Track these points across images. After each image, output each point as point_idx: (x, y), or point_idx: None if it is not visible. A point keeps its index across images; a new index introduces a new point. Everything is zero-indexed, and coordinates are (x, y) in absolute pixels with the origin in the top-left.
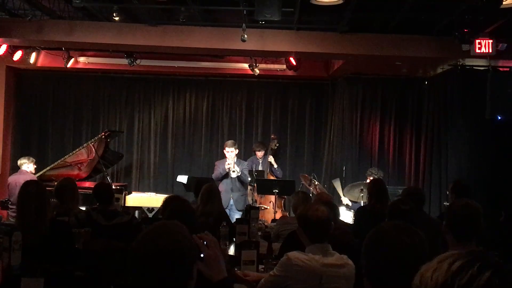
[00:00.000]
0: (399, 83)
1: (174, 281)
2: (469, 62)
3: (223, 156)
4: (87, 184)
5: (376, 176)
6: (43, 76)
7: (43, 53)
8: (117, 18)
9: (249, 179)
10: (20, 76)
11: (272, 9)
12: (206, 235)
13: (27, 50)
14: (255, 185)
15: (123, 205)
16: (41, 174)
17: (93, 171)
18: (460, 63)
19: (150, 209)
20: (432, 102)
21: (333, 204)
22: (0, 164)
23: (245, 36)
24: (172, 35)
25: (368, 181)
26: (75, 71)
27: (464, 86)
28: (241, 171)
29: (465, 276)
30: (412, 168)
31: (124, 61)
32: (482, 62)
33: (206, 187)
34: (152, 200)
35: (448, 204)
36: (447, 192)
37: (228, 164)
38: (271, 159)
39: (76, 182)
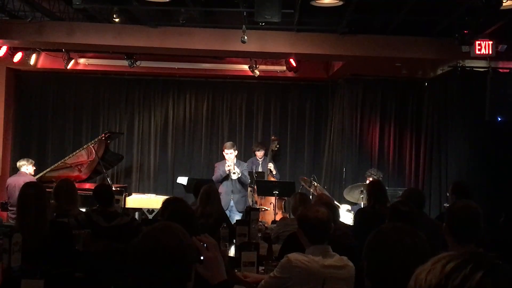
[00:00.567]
0: (399, 84)
1: (173, 281)
2: (469, 63)
3: (223, 158)
4: (87, 185)
5: (375, 177)
6: (43, 78)
7: (43, 54)
8: (117, 20)
9: (249, 180)
10: (20, 78)
11: (272, 11)
12: (206, 237)
13: (27, 51)
14: (255, 186)
15: (123, 206)
16: (41, 175)
17: (93, 173)
18: (460, 65)
19: (150, 211)
20: (432, 104)
21: (333, 206)
22: (0, 165)
23: (245, 37)
24: (172, 36)
25: (367, 182)
26: (75, 73)
27: (464, 87)
28: (241, 172)
29: (458, 277)
30: (412, 169)
31: (124, 63)
32: (482, 64)
33: (205, 188)
34: (152, 201)
35: (446, 205)
36: (447, 194)
37: (228, 166)
38: (270, 166)
39: (76, 184)
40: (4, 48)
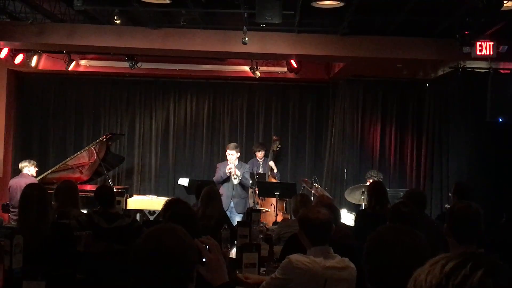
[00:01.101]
0: (400, 85)
1: (175, 282)
2: (470, 64)
3: (225, 159)
4: (89, 187)
5: (375, 179)
6: (44, 79)
7: (44, 56)
8: (118, 21)
9: (250, 181)
10: (22, 79)
11: (273, 12)
12: (208, 239)
13: (29, 53)
14: (256, 188)
15: (124, 208)
16: (43, 177)
17: (95, 174)
18: (461, 65)
19: (152, 212)
20: (433, 105)
21: (334, 207)
22: (2, 167)
23: (246, 38)
24: (173, 38)
25: (368, 183)
26: (76, 74)
27: (465, 88)
28: (243, 174)
29: (458, 276)
30: (413, 170)
31: (125, 64)
32: (483, 64)
33: (206, 190)
34: (153, 203)
35: (447, 206)
36: (449, 194)
37: (230, 168)
38: (271, 164)
39: (78, 185)
40: (6, 50)
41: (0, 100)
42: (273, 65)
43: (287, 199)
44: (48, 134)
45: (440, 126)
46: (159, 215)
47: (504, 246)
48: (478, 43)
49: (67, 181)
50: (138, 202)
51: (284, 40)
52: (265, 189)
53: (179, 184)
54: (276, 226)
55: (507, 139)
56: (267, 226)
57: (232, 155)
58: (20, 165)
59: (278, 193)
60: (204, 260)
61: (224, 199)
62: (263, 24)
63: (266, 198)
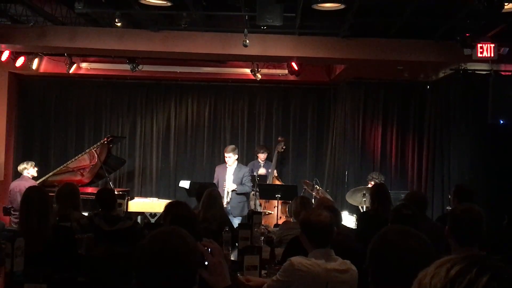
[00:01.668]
0: (401, 87)
1: (178, 284)
2: (471, 66)
3: (225, 161)
4: (90, 189)
5: (377, 181)
6: (45, 82)
7: (45, 59)
8: (119, 24)
9: (251, 184)
10: (23, 82)
11: (274, 14)
12: (210, 243)
13: (30, 56)
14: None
15: (125, 210)
16: (44, 179)
17: (96, 177)
18: (462, 68)
19: (153, 215)
20: (434, 107)
21: (335, 209)
22: (3, 170)
23: (247, 41)
24: (174, 40)
25: (369, 185)
26: (78, 77)
27: (466, 90)
28: (243, 182)
29: (463, 281)
30: (415, 172)
31: (126, 67)
32: (484, 66)
33: (207, 192)
34: (154, 205)
35: (449, 208)
36: (449, 197)
37: (224, 186)
38: (275, 172)
39: (79, 188)
40: (7, 53)
41: (1, 103)
42: (274, 68)
43: (290, 201)
44: (49, 136)
45: (441, 128)
46: (160, 218)
47: (505, 248)
48: (479, 45)
49: (68, 184)
50: (139, 204)
51: (285, 43)
52: (267, 191)
53: (180, 187)
54: (278, 229)
55: (508, 141)
56: (268, 229)
57: (230, 158)
58: (19, 167)
59: (279, 195)
60: (206, 263)
61: None
62: (264, 27)
63: (269, 200)
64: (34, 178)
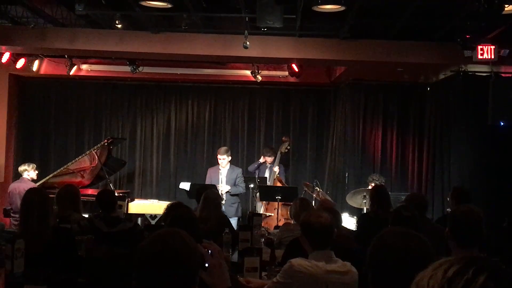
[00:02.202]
0: (401, 89)
1: (178, 285)
2: (471, 68)
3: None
4: (90, 191)
5: (377, 182)
6: (45, 84)
7: (45, 60)
8: (119, 26)
9: (244, 190)
10: (23, 84)
11: (274, 16)
12: (210, 244)
13: (30, 57)
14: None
15: (125, 212)
16: (44, 181)
17: (96, 178)
18: (462, 69)
19: (153, 216)
20: (434, 108)
21: (335, 211)
22: (3, 171)
23: (247, 43)
24: (174, 42)
25: (370, 187)
26: (78, 79)
27: (466, 92)
28: (237, 183)
29: (460, 281)
30: (415, 174)
31: (127, 69)
32: (484, 68)
33: (204, 193)
34: (154, 207)
35: (449, 210)
36: (448, 199)
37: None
38: (276, 169)
39: (79, 190)
40: (7, 55)
41: (2, 104)
42: (274, 69)
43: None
44: (50, 138)
45: (441, 130)
46: (160, 219)
47: (505, 249)
48: (479, 47)
49: (69, 186)
50: (139, 206)
51: (285, 44)
52: (267, 193)
53: (181, 188)
54: (278, 230)
55: (508, 142)
56: (268, 230)
57: (224, 160)
58: (20, 168)
59: (280, 197)
60: (206, 265)
61: None
62: (264, 28)
63: (270, 202)
64: (33, 180)
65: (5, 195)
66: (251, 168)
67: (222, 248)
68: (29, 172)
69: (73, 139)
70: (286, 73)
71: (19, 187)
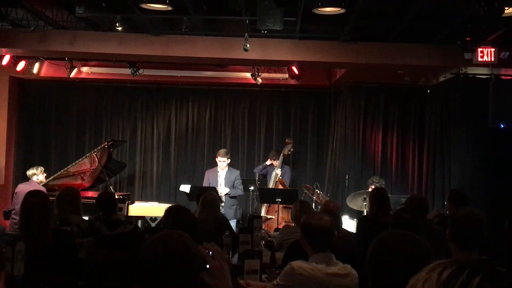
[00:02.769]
0: (401, 91)
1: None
2: (471, 70)
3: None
4: (90, 193)
5: (377, 185)
6: (46, 86)
7: (46, 63)
8: (119, 28)
9: (242, 192)
10: (23, 86)
11: (274, 19)
12: (211, 246)
13: (30, 60)
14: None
15: (126, 214)
16: (44, 183)
17: (96, 181)
18: (463, 72)
19: (153, 219)
20: (435, 111)
21: (336, 213)
22: (3, 174)
23: (248, 45)
24: (175, 44)
25: (370, 189)
26: (78, 81)
27: (466, 94)
28: (235, 185)
29: (455, 283)
30: (415, 176)
31: (127, 71)
32: (484, 71)
33: (203, 196)
34: (155, 209)
35: (447, 213)
36: (445, 202)
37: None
38: (278, 172)
39: (80, 192)
40: (7, 57)
41: (2, 107)
42: (275, 72)
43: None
44: (50, 140)
45: (441, 132)
46: (160, 222)
47: (506, 252)
48: (480, 49)
49: (69, 188)
50: (139, 208)
51: (286, 47)
52: (267, 195)
53: (181, 191)
54: (278, 233)
55: (508, 145)
56: (268, 233)
57: (224, 162)
58: (28, 173)
59: (280, 200)
60: (207, 266)
61: None
62: (264, 31)
63: (271, 204)
64: (41, 183)
65: (5, 197)
66: (256, 170)
67: (222, 250)
68: (38, 175)
69: (73, 141)
70: (286, 75)
71: (26, 189)
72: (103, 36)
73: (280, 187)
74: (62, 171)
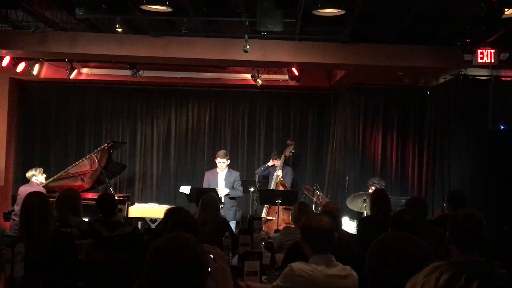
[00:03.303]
0: (401, 93)
1: None
2: (471, 71)
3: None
4: (90, 195)
5: (378, 186)
6: (46, 88)
7: (46, 64)
8: (119, 30)
9: (241, 193)
10: (23, 88)
11: (274, 20)
12: (213, 249)
13: (30, 61)
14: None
15: (125, 216)
16: (44, 185)
17: (96, 182)
18: (462, 73)
19: (153, 220)
20: (435, 112)
21: (336, 214)
22: (3, 175)
23: (248, 46)
24: (175, 46)
25: (370, 191)
26: (78, 83)
27: (466, 96)
28: (235, 186)
29: None
30: (415, 178)
31: (127, 72)
32: (484, 72)
33: (202, 197)
34: (154, 210)
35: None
36: (444, 204)
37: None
38: (279, 173)
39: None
40: (7, 58)
41: (2, 108)
42: (275, 73)
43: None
44: (50, 142)
45: (441, 134)
46: (160, 223)
47: (506, 254)
48: (479, 51)
49: (69, 190)
50: (139, 210)
51: (286, 48)
52: (267, 196)
53: (181, 192)
54: (278, 234)
55: (508, 146)
56: (268, 234)
57: (223, 163)
58: (28, 174)
59: (280, 201)
60: (209, 269)
61: None
62: (264, 32)
63: (272, 206)
64: (41, 184)
65: (5, 199)
66: (258, 171)
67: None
68: (37, 176)
69: (73, 143)
70: (286, 77)
71: (27, 191)
72: (103, 37)
73: (281, 188)
74: (62, 172)
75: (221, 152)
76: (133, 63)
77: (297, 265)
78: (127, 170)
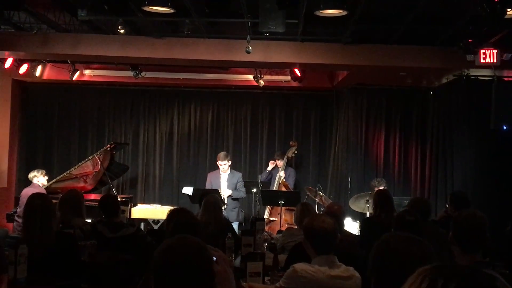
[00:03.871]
0: (403, 93)
1: None
2: (474, 72)
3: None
4: (93, 196)
5: (380, 187)
6: (48, 89)
7: (48, 66)
8: (122, 31)
9: (244, 194)
10: (26, 89)
11: (277, 21)
12: (216, 251)
13: (33, 63)
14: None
15: (128, 217)
16: (47, 186)
17: (99, 183)
18: (465, 74)
19: (156, 221)
20: (437, 113)
21: (339, 215)
22: (6, 177)
23: (250, 47)
24: (177, 47)
25: (373, 191)
26: (81, 84)
27: (469, 96)
28: (238, 187)
29: None
30: (418, 178)
31: (129, 74)
32: (487, 72)
33: (205, 198)
34: (157, 212)
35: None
36: (446, 205)
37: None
38: (282, 174)
39: (83, 195)
40: (10, 60)
41: (5, 110)
42: (277, 74)
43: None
44: (53, 143)
45: (444, 134)
46: (163, 224)
47: (508, 254)
48: (482, 51)
49: (72, 191)
50: (142, 211)
51: (288, 49)
52: (269, 197)
53: (183, 193)
54: (281, 235)
55: (511, 146)
56: (271, 235)
57: (224, 165)
58: (30, 175)
59: (282, 202)
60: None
61: None
62: (266, 33)
63: (274, 207)
64: (43, 186)
65: (8, 200)
66: (262, 179)
67: (224, 252)
68: (38, 178)
69: (76, 144)
70: (289, 77)
71: (29, 192)
72: (105, 39)
73: (283, 189)
74: (64, 173)
75: (221, 154)
76: (136, 65)
77: (300, 266)
78: (130, 171)
